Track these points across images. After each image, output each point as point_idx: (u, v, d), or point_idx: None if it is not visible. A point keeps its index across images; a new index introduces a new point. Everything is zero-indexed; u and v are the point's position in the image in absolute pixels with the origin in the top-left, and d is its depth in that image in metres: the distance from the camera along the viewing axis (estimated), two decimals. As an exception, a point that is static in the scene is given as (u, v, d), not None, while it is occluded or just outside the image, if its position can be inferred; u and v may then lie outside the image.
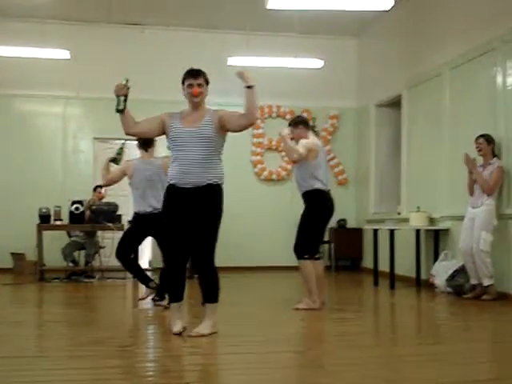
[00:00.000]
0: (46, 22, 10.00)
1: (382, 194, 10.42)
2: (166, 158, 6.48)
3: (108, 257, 9.44)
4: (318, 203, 6.09)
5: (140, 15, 10.21)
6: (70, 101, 10.51)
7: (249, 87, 4.54)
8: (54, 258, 9.33)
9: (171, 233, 4.66)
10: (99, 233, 9.48)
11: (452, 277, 7.15)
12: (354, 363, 3.88)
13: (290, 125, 6.21)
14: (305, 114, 10.56)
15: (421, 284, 8.05)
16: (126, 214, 8.65)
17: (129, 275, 7.26)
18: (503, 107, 6.95)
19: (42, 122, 10.50)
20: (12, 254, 9.92)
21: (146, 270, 7.71)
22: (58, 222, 9.09)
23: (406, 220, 8.67)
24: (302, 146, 5.99)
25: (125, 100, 4.60)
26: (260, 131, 10.94)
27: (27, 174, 10.26)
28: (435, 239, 8.03)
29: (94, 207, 9.04)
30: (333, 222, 10.30)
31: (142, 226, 6.30)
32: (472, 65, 7.57)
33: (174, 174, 4.64)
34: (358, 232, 10.83)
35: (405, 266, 8.46)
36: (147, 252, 10.33)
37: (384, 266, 8.33)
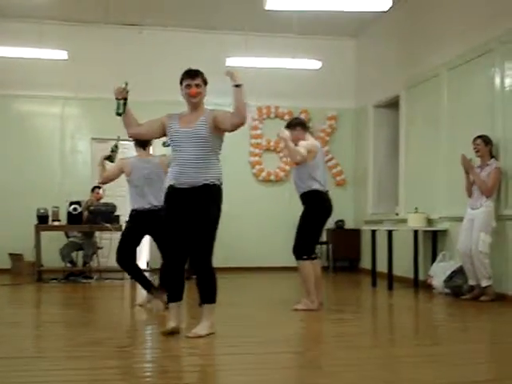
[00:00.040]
0: (44, 22, 9.98)
1: (380, 194, 10.42)
2: (163, 157, 6.51)
3: (106, 257, 9.47)
4: (316, 204, 6.10)
5: (138, 16, 10.20)
6: (68, 101, 10.51)
7: (237, 86, 4.52)
8: (51, 258, 9.32)
9: (169, 233, 4.68)
10: (97, 233, 9.47)
11: (450, 278, 7.16)
12: (352, 364, 3.89)
13: (287, 127, 6.22)
14: (303, 115, 10.61)
15: (419, 285, 8.05)
16: (124, 214, 8.63)
17: (127, 276, 7.25)
18: (501, 108, 6.96)
19: (40, 122, 10.49)
20: (10, 254, 9.91)
21: (144, 270, 7.71)
22: (56, 223, 9.09)
23: (404, 221, 8.68)
24: (302, 147, 6.01)
25: (124, 103, 4.66)
26: (258, 132, 10.95)
27: (25, 174, 10.25)
28: (433, 240, 8.04)
29: (91, 208, 9.04)
30: (331, 223, 10.32)
31: (139, 223, 6.29)
32: (470, 66, 7.58)
33: (173, 175, 4.68)
34: (356, 233, 10.83)
35: (403, 266, 8.46)
36: (145, 253, 10.33)
37: (382, 267, 8.34)
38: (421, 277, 8.13)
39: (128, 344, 4.56)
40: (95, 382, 3.47)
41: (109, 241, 9.20)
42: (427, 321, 6.04)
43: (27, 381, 3.47)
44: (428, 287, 7.60)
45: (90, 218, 8.99)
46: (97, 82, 10.23)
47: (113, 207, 9.09)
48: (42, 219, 8.97)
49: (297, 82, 10.74)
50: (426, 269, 8.04)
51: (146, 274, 6.98)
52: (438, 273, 7.38)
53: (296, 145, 6.05)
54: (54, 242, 9.44)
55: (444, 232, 7.95)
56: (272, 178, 10.96)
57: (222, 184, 4.67)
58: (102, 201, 9.44)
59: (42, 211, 8.96)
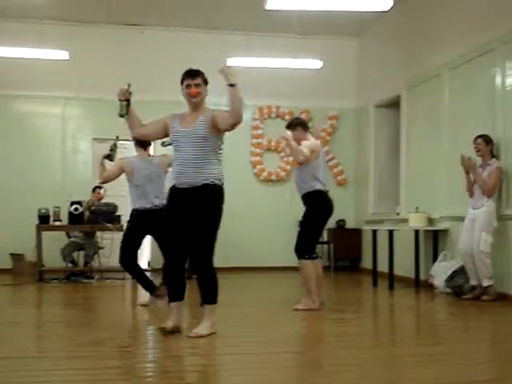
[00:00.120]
0: (45, 22, 9.98)
1: (381, 194, 10.42)
2: (164, 157, 6.52)
3: (107, 257, 9.47)
4: (319, 204, 6.12)
5: (139, 16, 10.20)
6: (69, 101, 10.51)
7: (231, 85, 4.45)
8: (53, 258, 9.32)
9: (169, 232, 4.69)
10: (98, 233, 9.48)
11: (451, 277, 7.15)
12: (353, 364, 3.89)
13: (287, 127, 6.23)
14: (304, 115, 10.61)
15: (420, 285, 8.05)
16: (125, 214, 8.61)
17: (128, 276, 7.26)
18: (502, 108, 6.95)
19: (41, 122, 10.50)
20: (11, 254, 9.91)
21: (146, 270, 7.71)
22: (57, 223, 9.09)
23: (405, 220, 8.68)
24: (305, 147, 6.03)
25: (127, 105, 4.69)
26: (259, 132, 10.95)
27: (26, 174, 10.25)
28: (434, 240, 8.04)
29: (93, 208, 9.04)
30: (332, 223, 10.31)
31: (140, 223, 6.30)
32: (471, 65, 7.57)
33: (174, 175, 4.72)
34: (357, 232, 10.83)
35: (404, 266, 8.46)
36: (146, 253, 10.33)
37: (383, 267, 8.33)
38: (422, 276, 8.13)
39: (129, 344, 4.56)
40: (96, 382, 3.47)
41: (110, 241, 9.22)
42: (428, 320, 6.04)
43: (28, 381, 3.48)
44: (429, 287, 7.59)
45: (91, 217, 9.00)
46: (98, 82, 10.24)
47: (114, 207, 9.10)
48: (44, 219, 8.98)
49: (298, 81, 10.74)
50: (427, 268, 8.04)
51: (148, 273, 6.99)
52: (439, 272, 7.38)
53: (298, 145, 6.06)
54: (55, 242, 9.45)
55: (445, 232, 7.95)
56: (273, 177, 10.96)
57: (223, 184, 4.67)
58: (103, 201, 9.45)
59: (43, 211, 8.97)
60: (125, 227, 6.74)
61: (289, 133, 6.10)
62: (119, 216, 9.09)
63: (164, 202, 6.17)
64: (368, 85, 10.77)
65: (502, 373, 3.77)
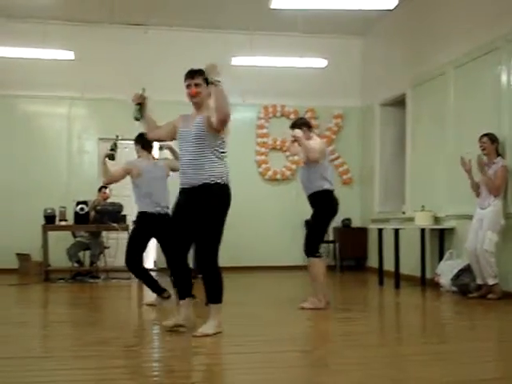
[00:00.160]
0: (49, 22, 9.99)
1: (386, 193, 10.40)
2: (167, 160, 6.56)
3: (113, 257, 9.49)
4: (327, 204, 6.14)
5: (143, 16, 10.21)
6: (75, 101, 10.52)
7: (212, 83, 4.41)
8: (59, 258, 9.34)
9: (173, 231, 4.73)
10: (104, 233, 9.49)
11: (457, 276, 7.14)
12: (360, 362, 3.88)
13: (292, 127, 6.22)
14: (309, 114, 10.61)
15: (426, 283, 8.04)
16: (131, 214, 8.65)
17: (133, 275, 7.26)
18: (507, 106, 6.93)
19: (46, 122, 10.51)
20: (17, 254, 9.94)
21: (151, 270, 7.72)
22: (63, 223, 9.11)
23: (410, 219, 8.66)
24: (315, 145, 6.08)
25: (140, 109, 4.83)
26: (264, 131, 10.94)
27: (32, 174, 10.27)
28: (440, 238, 8.02)
29: (98, 208, 9.05)
30: (337, 222, 10.32)
31: (147, 225, 6.30)
32: (476, 64, 7.56)
33: (179, 176, 4.74)
34: (362, 231, 10.81)
35: (410, 265, 8.44)
36: (152, 252, 10.33)
37: (389, 266, 8.32)
38: (428, 275, 8.12)
39: (135, 343, 4.57)
40: (102, 382, 3.47)
41: (116, 240, 9.24)
42: (434, 319, 6.03)
43: (34, 380, 3.48)
44: (435, 285, 7.58)
45: (97, 217, 9.01)
46: (103, 82, 10.26)
47: (119, 207, 9.11)
48: (49, 219, 9.00)
49: (303, 80, 10.72)
50: (433, 267, 8.02)
51: (153, 273, 6.99)
52: (446, 271, 7.36)
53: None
54: (61, 242, 9.46)
55: (451, 230, 7.93)
56: (278, 176, 10.95)
57: (226, 183, 4.66)
58: (109, 200, 9.46)
59: (49, 211, 8.99)
60: (130, 229, 6.74)
61: (298, 130, 6.10)
62: (125, 215, 9.10)
63: (168, 204, 6.21)
64: (373, 83, 10.75)
65: (509, 371, 3.76)
